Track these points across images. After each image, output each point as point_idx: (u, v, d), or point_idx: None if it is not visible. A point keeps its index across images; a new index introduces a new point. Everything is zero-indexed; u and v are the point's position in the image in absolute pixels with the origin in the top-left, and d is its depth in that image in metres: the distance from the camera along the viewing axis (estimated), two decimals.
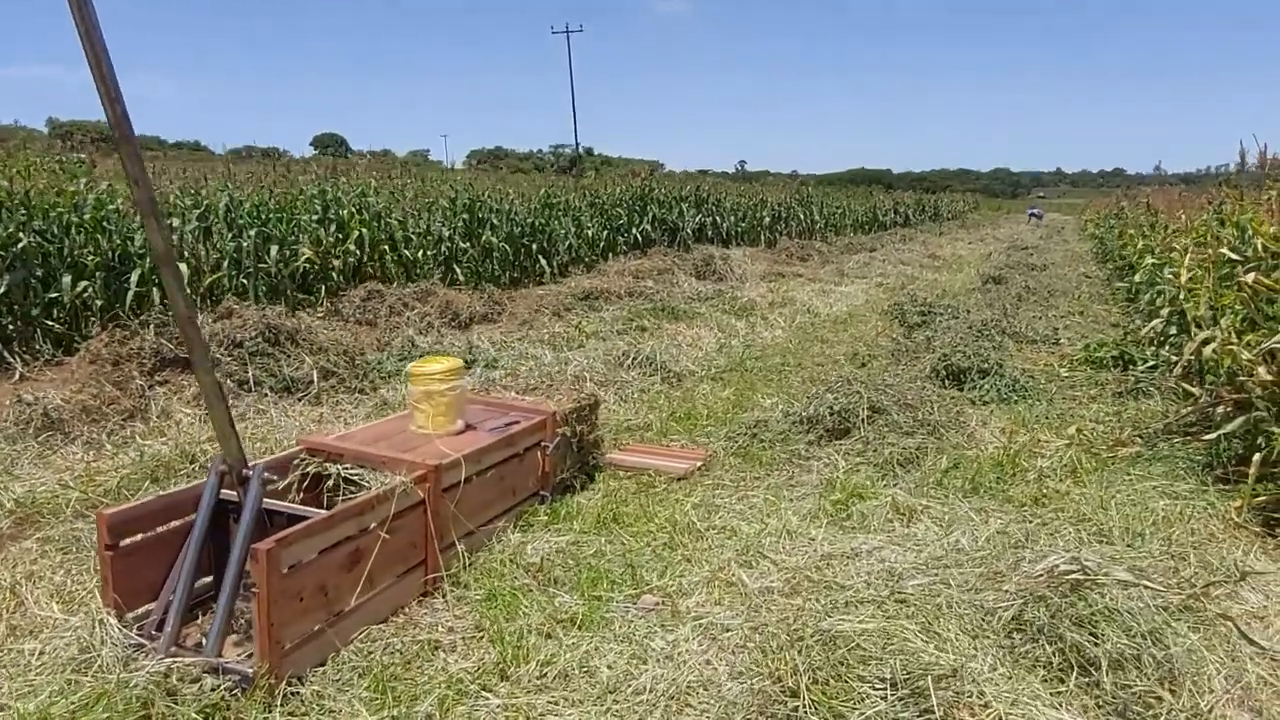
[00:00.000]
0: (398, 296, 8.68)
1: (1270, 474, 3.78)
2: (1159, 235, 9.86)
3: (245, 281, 8.30)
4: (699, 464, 4.61)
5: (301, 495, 3.27)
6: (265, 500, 2.98)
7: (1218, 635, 2.68)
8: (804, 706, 2.11)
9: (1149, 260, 8.75)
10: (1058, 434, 5.01)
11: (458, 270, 10.98)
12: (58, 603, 2.98)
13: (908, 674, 2.14)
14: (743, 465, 4.65)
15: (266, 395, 5.48)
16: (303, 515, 2.82)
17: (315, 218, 9.29)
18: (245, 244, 8.35)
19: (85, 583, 3.11)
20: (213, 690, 2.43)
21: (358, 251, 9.56)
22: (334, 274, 9.21)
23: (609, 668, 2.65)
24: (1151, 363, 6.29)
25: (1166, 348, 6.35)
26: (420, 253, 10.50)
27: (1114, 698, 2.32)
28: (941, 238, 27.23)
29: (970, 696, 2.10)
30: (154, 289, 7.20)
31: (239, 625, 2.77)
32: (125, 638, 2.58)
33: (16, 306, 6.56)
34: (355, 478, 3.25)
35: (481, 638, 2.84)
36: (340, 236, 9.42)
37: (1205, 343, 4.69)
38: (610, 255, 14.42)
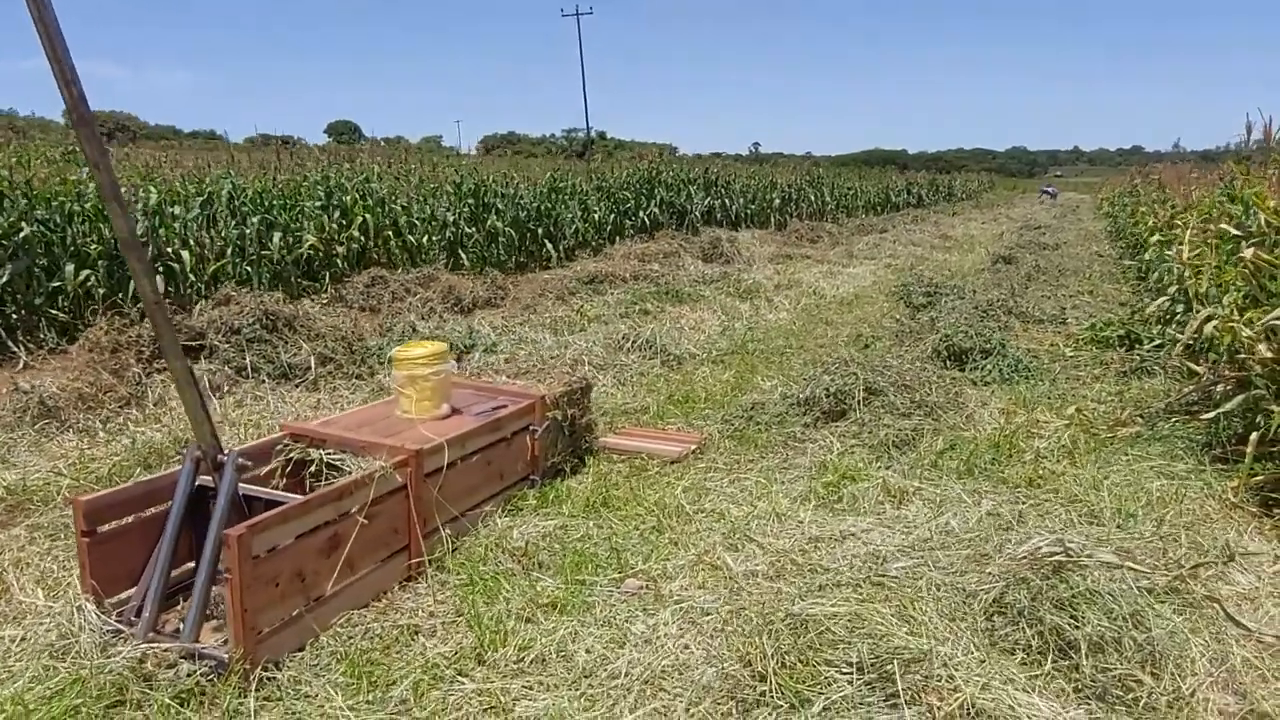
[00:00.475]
0: (401, 282, 8.68)
1: (1268, 453, 3.71)
2: (1165, 212, 9.71)
3: (249, 269, 8.32)
4: (693, 447, 4.59)
5: (285, 481, 3.27)
6: (247, 486, 3.00)
7: (1204, 617, 2.64)
8: (770, 690, 2.09)
9: (1156, 238, 8.62)
10: (1057, 414, 4.95)
11: (463, 255, 10.97)
12: (43, 589, 3.00)
13: (875, 658, 2.11)
14: (737, 448, 4.63)
15: (264, 382, 5.50)
16: (282, 501, 2.82)
17: (319, 204, 9.30)
18: (248, 231, 8.36)
19: (72, 569, 3.12)
20: (188, 675, 2.44)
21: (361, 238, 9.56)
22: (338, 260, 9.21)
23: (587, 652, 2.64)
24: (1157, 341, 6.20)
25: (1173, 326, 6.26)
26: (425, 238, 10.49)
27: (1093, 681, 2.29)
28: (954, 218, 26.95)
29: (939, 680, 2.07)
30: (157, 276, 7.23)
31: (219, 611, 2.78)
32: (103, 624, 2.60)
33: (20, 296, 6.60)
34: (338, 463, 3.24)
35: (461, 622, 2.84)
36: (344, 223, 9.42)
37: (1207, 320, 4.61)
38: (617, 239, 14.34)
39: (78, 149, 9.04)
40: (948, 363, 6.09)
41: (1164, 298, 6.49)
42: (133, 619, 2.67)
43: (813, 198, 22.98)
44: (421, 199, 10.95)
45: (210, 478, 2.80)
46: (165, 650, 2.49)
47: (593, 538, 3.47)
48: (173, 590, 2.84)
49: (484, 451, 3.61)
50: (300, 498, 2.81)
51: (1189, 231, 5.65)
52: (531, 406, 3.95)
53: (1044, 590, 2.48)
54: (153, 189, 7.72)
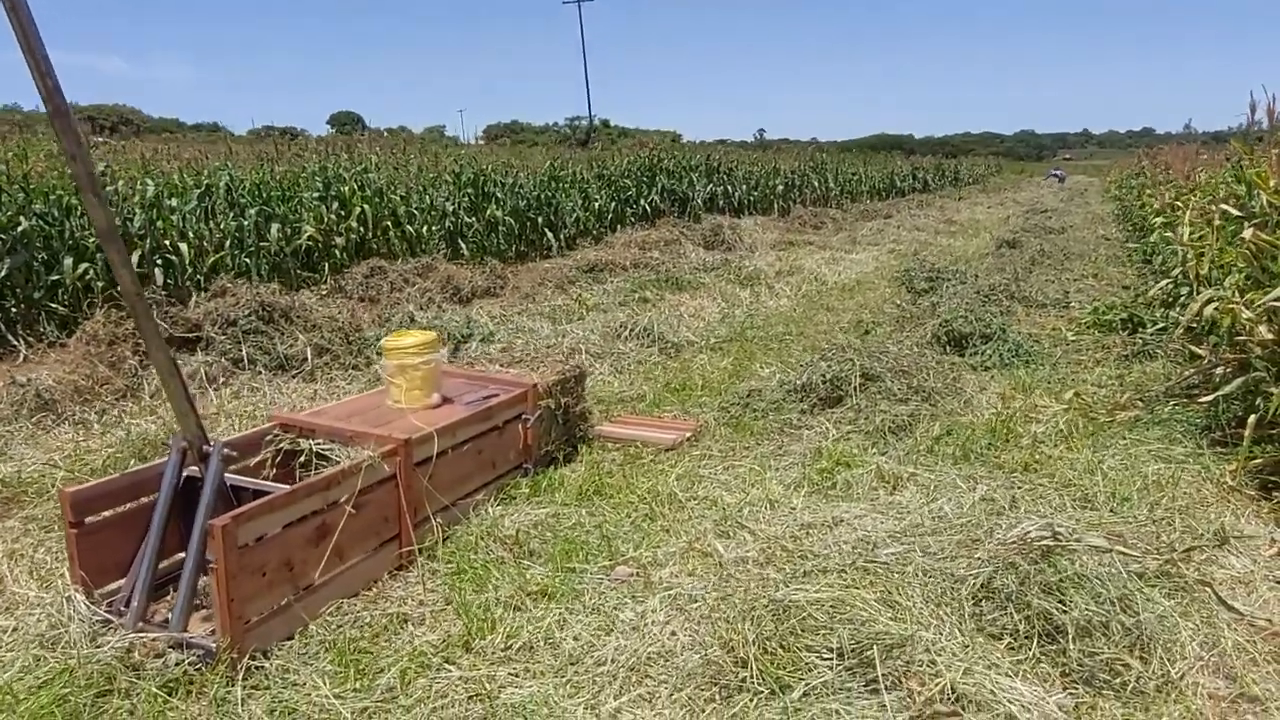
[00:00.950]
0: (400, 273, 8.66)
1: (1267, 435, 3.68)
2: (1168, 193, 9.62)
3: (248, 261, 8.31)
4: (689, 435, 4.58)
5: (275, 471, 3.27)
6: (235, 476, 3.00)
7: (1195, 601, 2.62)
8: (751, 677, 2.08)
9: (1160, 220, 8.55)
10: (1056, 399, 4.92)
11: (462, 245, 10.94)
12: (35, 580, 3.02)
13: (856, 643, 2.10)
14: (733, 435, 4.61)
15: (260, 373, 5.50)
16: (270, 491, 2.82)
17: (317, 195, 9.28)
18: (246, 223, 8.36)
19: (65, 560, 3.13)
20: (176, 665, 2.44)
21: (360, 228, 9.55)
22: (337, 251, 9.20)
23: (574, 639, 2.63)
24: (1160, 325, 6.15)
25: (1176, 309, 6.20)
26: (424, 228, 10.46)
27: (1080, 665, 2.27)
28: (960, 203, 26.80)
29: (921, 666, 2.06)
30: (155, 269, 7.25)
31: (209, 601, 2.78)
32: (92, 614, 2.60)
33: (18, 289, 6.62)
34: (328, 453, 3.24)
35: (449, 611, 2.84)
36: (342, 214, 9.40)
37: (1208, 302, 4.56)
38: (618, 227, 14.29)
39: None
40: (947, 348, 6.06)
41: (1167, 280, 6.43)
42: (122, 609, 2.67)
43: (816, 184, 22.86)
44: (421, 189, 10.93)
45: (199, 468, 2.80)
46: (153, 640, 2.50)
47: (584, 526, 3.47)
48: (163, 581, 2.85)
49: (475, 440, 3.60)
50: (287, 488, 2.81)
51: (1189, 213, 5.58)
52: (524, 395, 3.94)
53: (1032, 575, 2.46)
54: (150, 181, 7.72)
